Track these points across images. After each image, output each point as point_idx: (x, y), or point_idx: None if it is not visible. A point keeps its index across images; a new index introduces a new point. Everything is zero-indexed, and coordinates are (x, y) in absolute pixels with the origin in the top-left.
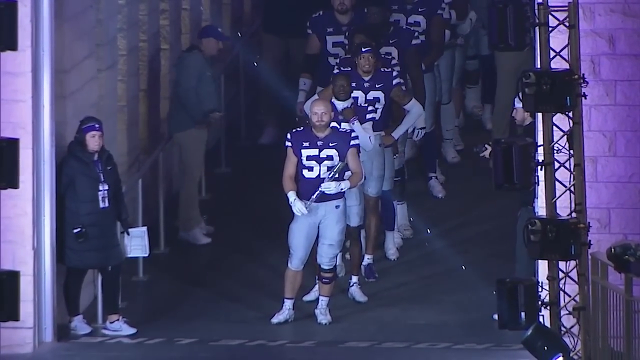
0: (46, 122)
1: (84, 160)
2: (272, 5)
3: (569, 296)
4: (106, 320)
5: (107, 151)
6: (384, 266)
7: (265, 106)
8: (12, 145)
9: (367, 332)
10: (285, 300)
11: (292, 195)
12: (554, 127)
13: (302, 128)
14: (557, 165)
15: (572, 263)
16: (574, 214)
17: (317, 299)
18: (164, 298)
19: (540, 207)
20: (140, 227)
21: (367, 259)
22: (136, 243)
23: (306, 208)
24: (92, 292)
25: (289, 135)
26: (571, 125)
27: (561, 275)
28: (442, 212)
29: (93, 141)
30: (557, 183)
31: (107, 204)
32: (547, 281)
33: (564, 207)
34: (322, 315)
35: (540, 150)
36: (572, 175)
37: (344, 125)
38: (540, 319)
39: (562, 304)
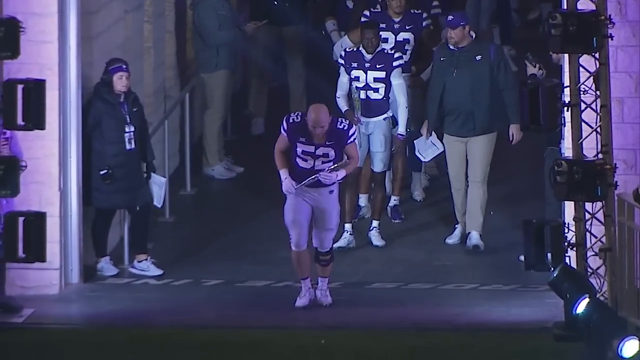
0: (72, 63)
1: (110, 102)
2: None
3: (595, 237)
4: (134, 260)
5: (133, 93)
6: (410, 207)
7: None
8: (38, 86)
9: (393, 274)
10: (302, 281)
11: (284, 173)
12: (581, 68)
13: (299, 118)
14: (583, 106)
15: (599, 204)
16: (600, 155)
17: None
18: (191, 239)
19: (567, 148)
20: (161, 176)
21: (394, 200)
22: (154, 190)
23: (295, 188)
24: (118, 234)
25: (285, 124)
26: (597, 66)
27: (587, 216)
28: None
29: (120, 82)
30: (583, 124)
31: (133, 146)
32: (573, 222)
33: (590, 148)
34: (324, 297)
35: (567, 91)
36: (598, 116)
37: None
38: (567, 260)
39: (588, 245)
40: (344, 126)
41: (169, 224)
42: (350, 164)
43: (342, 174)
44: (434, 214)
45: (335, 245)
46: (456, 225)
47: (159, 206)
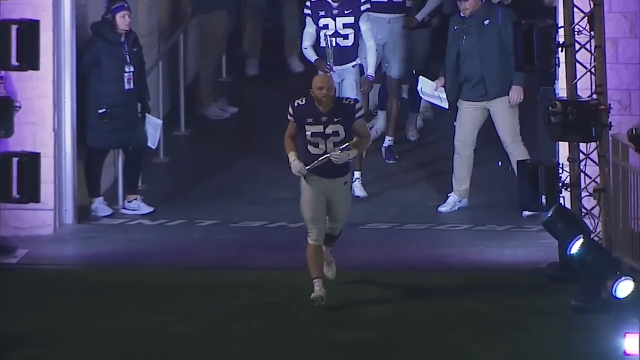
0: (66, 3)
1: (111, 41)
2: None
3: (590, 178)
4: (124, 200)
5: (134, 32)
6: (404, 148)
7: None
8: (32, 27)
9: (388, 214)
10: (314, 280)
11: (292, 156)
12: (575, 8)
13: (303, 101)
14: (577, 46)
15: (593, 144)
16: (594, 96)
17: None
18: (185, 180)
19: (561, 89)
20: (157, 118)
21: (388, 140)
22: (149, 131)
23: (306, 170)
24: (112, 174)
25: (290, 109)
26: (592, 6)
27: (582, 156)
28: None
29: (123, 21)
30: (577, 65)
31: (132, 86)
32: (567, 163)
33: (584, 88)
34: (329, 270)
35: (561, 32)
36: (592, 57)
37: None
38: (561, 200)
39: (582, 185)
40: (349, 101)
41: (163, 164)
42: (363, 142)
43: (353, 153)
44: (429, 155)
45: None
46: (449, 194)
47: (154, 147)
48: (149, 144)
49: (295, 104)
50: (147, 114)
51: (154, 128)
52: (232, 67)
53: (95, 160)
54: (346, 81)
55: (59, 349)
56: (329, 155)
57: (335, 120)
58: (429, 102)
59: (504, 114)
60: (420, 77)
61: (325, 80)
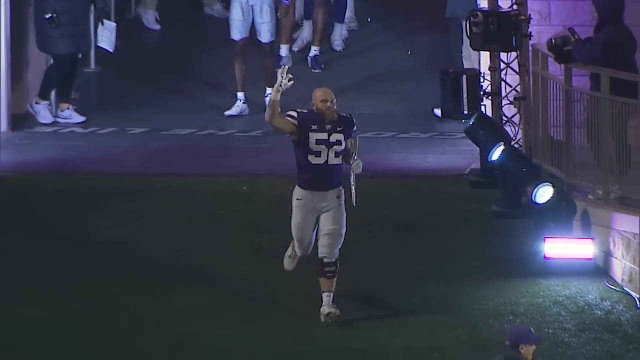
0: None
1: None
2: None
3: (510, 86)
4: (57, 109)
5: None
6: (330, 57)
7: None
8: None
9: None
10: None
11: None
12: None
13: (307, 110)
14: None
15: (513, 54)
16: (515, 6)
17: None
18: (116, 89)
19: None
20: (112, 21)
21: (314, 50)
22: (106, 35)
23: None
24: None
25: (294, 112)
26: None
27: (502, 66)
28: (387, 4)
29: None
30: None
31: None
32: (488, 72)
33: None
34: (330, 308)
35: None
36: None
37: None
38: (482, 108)
39: (503, 94)
40: (348, 115)
41: (94, 73)
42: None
43: (360, 164)
44: (354, 64)
45: (226, 113)
46: None
47: (111, 51)
48: (106, 47)
49: (299, 111)
50: (104, 20)
51: (110, 32)
52: None
53: (56, 66)
54: (258, 6)
55: None
56: (353, 172)
57: (338, 129)
58: None
59: None
60: None
61: (328, 93)
